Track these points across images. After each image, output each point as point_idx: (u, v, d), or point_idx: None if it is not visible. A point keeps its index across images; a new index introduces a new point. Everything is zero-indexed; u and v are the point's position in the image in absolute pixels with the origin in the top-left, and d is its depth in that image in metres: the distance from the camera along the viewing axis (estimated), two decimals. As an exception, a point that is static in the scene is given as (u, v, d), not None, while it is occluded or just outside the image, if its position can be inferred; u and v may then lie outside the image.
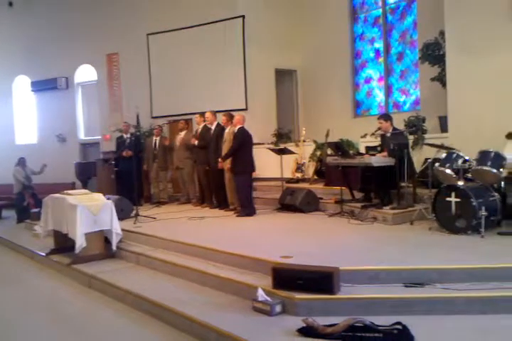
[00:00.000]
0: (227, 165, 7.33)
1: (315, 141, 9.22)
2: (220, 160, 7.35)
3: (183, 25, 11.00)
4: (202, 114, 8.42)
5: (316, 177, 8.72)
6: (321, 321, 3.40)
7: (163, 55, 11.50)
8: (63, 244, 6.28)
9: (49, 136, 13.88)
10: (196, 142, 8.16)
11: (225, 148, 7.37)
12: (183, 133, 8.87)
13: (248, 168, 7.16)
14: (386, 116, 6.75)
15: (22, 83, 14.90)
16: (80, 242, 5.69)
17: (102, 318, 4.40)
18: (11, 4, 14.11)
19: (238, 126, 7.22)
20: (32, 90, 14.38)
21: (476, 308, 3.57)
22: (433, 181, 5.84)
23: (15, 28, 14.44)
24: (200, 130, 8.34)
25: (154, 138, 9.28)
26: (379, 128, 6.72)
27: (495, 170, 5.24)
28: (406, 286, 3.84)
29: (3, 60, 14.74)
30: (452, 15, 7.35)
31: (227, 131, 7.50)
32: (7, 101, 15.08)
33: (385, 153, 6.46)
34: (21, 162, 10.35)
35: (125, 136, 9.18)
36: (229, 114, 7.61)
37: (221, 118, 7.74)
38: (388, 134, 6.51)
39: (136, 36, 11.72)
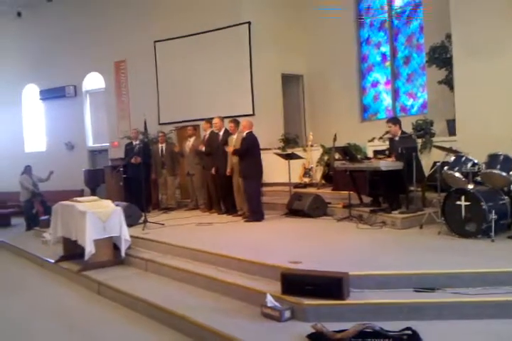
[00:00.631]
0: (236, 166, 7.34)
1: (322, 146, 9.20)
2: (230, 152, 7.33)
3: (190, 32, 11.06)
4: (208, 121, 8.45)
5: (323, 181, 8.70)
6: (330, 327, 3.37)
7: (170, 62, 11.57)
8: (72, 250, 6.31)
9: (58, 143, 13.99)
10: (203, 148, 8.18)
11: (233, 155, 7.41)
12: (192, 140, 8.90)
13: (258, 172, 7.18)
14: (395, 120, 6.72)
15: (31, 92, 15.06)
16: (89, 249, 5.71)
17: (111, 325, 4.40)
18: (19, 14, 14.29)
19: (246, 131, 7.24)
20: (40, 99, 14.54)
21: (487, 313, 3.53)
22: (442, 185, 5.80)
23: (23, 38, 14.62)
24: (207, 136, 8.37)
25: (160, 145, 9.32)
26: (387, 132, 6.69)
27: (504, 174, 5.20)
28: (416, 291, 3.81)
29: (12, 69, 14.92)
30: (458, 18, 7.33)
31: (234, 137, 7.51)
32: (16, 109, 15.24)
33: (391, 158, 6.43)
34: (27, 170, 10.41)
35: (134, 142, 9.21)
36: (235, 121, 7.63)
37: (228, 125, 7.76)
38: (397, 138, 6.48)
39: (143, 43, 11.81)
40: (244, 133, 7.25)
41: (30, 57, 14.46)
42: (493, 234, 4.93)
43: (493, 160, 5.33)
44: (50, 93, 14.06)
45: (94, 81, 13.55)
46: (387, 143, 7.03)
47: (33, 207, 10.15)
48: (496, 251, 4.59)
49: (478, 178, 5.48)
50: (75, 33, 13.19)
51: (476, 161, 5.47)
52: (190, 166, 8.78)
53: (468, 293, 3.69)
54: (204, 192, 8.68)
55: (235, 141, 7.44)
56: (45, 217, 8.70)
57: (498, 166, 5.24)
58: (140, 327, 4.27)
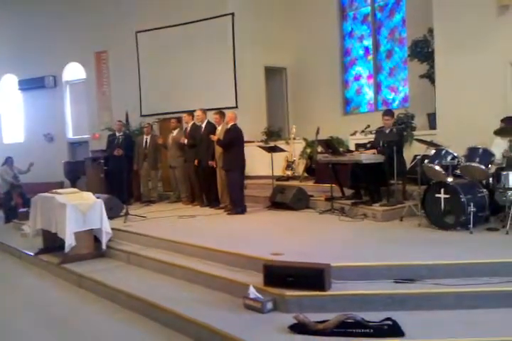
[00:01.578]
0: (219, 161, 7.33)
1: (305, 139, 9.23)
2: (214, 139, 7.28)
3: (173, 23, 10.94)
4: (190, 113, 8.39)
5: (306, 174, 8.74)
6: (312, 318, 3.40)
7: (153, 53, 11.44)
8: (52, 243, 6.23)
9: (36, 135, 13.76)
10: (186, 141, 8.12)
11: (218, 147, 7.37)
12: (175, 132, 8.81)
13: (240, 165, 7.16)
14: (392, 113, 6.74)
15: (9, 82, 14.75)
16: (70, 241, 5.65)
17: (92, 318, 4.37)
18: (-4, 2, 13.95)
19: (231, 124, 7.21)
20: (19, 89, 14.25)
21: (466, 303, 3.59)
22: (422, 178, 5.88)
23: (1, 26, 14.28)
24: (188, 129, 8.31)
25: (145, 136, 9.20)
26: (368, 126, 6.74)
27: (483, 167, 5.29)
28: (396, 282, 3.86)
29: (-11, 59, 14.59)
30: (440, 13, 7.41)
31: (219, 128, 7.48)
32: (-6, 100, 14.94)
33: (373, 151, 6.49)
34: (8, 161, 10.26)
35: (118, 134, 9.09)
36: (221, 112, 7.60)
37: (212, 117, 7.72)
38: (387, 131, 6.50)
39: (124, 34, 11.64)
40: (229, 125, 7.22)
41: (9, 46, 14.14)
42: (471, 226, 5.02)
43: (472, 153, 5.41)
44: (29, 83, 13.78)
45: (74, 71, 13.33)
46: (369, 136, 7.07)
47: (12, 199, 9.99)
48: (474, 243, 4.67)
49: (458, 171, 5.56)
50: (55, 22, 12.93)
51: (455, 154, 5.54)
52: (173, 159, 8.72)
53: (447, 283, 3.75)
54: (186, 185, 8.64)
55: (219, 132, 7.41)
56: (24, 209, 8.57)
57: (477, 159, 5.32)
58: (122, 319, 4.25)
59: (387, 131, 6.51)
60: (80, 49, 12.54)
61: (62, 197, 5.99)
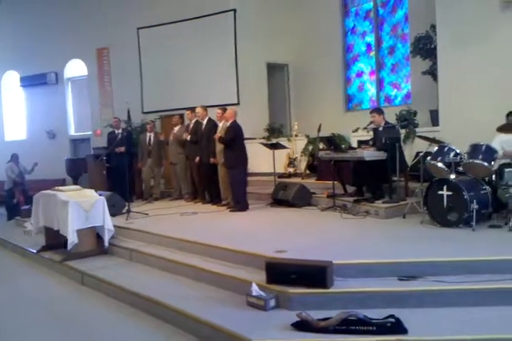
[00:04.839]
0: (221, 159, 7.32)
1: (307, 136, 9.22)
2: (216, 138, 7.26)
3: (174, 19, 10.91)
4: (193, 110, 8.38)
5: (308, 171, 8.73)
6: (314, 315, 3.40)
7: (154, 50, 11.42)
8: (54, 240, 6.24)
9: (39, 132, 13.76)
10: (188, 137, 8.12)
11: (218, 144, 7.36)
12: (176, 129, 8.81)
13: (242, 162, 7.15)
14: (379, 110, 6.77)
15: (11, 78, 14.74)
16: (72, 239, 5.65)
17: (95, 315, 4.38)
18: (-2, -1, 13.93)
19: (231, 121, 7.20)
20: (21, 85, 14.24)
21: (469, 300, 3.59)
22: (425, 175, 5.86)
23: (3, 23, 14.26)
24: (192, 125, 8.30)
25: (148, 134, 9.18)
26: (371, 122, 6.73)
27: (486, 164, 5.26)
28: (399, 279, 3.86)
29: (-9, 55, 14.58)
30: (443, 9, 7.36)
31: (220, 125, 7.47)
32: (-4, 96, 14.94)
33: (372, 148, 6.48)
34: (14, 158, 10.27)
35: (117, 131, 9.09)
36: (224, 109, 7.59)
37: (213, 113, 7.71)
38: (380, 128, 6.53)
39: (126, 30, 11.61)
40: (229, 122, 7.21)
41: (11, 43, 14.12)
42: (474, 223, 5.01)
43: (475, 150, 5.39)
44: (31, 80, 13.77)
45: (76, 68, 13.31)
46: (372, 133, 7.07)
47: (14, 197, 10.00)
48: (476, 240, 4.66)
49: (461, 168, 5.54)
50: (57, 19, 12.91)
51: (458, 151, 5.51)
52: (173, 155, 8.71)
53: (450, 281, 3.75)
54: (188, 182, 8.64)
55: (220, 129, 7.40)
56: (27, 207, 8.58)
57: (480, 156, 5.30)
58: (124, 316, 4.26)
59: (380, 129, 6.51)
60: (81, 45, 12.52)
61: (64, 195, 5.99)
